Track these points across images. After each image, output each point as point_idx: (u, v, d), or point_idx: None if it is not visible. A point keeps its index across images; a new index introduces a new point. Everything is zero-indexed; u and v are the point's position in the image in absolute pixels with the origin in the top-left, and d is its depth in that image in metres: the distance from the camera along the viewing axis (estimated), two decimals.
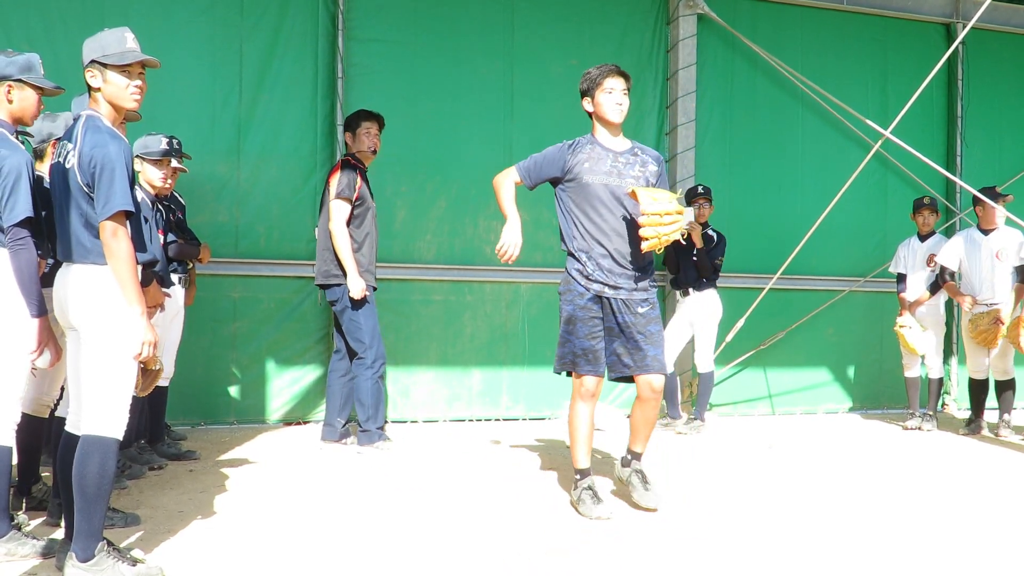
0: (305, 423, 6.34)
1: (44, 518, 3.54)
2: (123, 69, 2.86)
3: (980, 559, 3.24)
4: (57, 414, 3.65)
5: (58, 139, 3.75)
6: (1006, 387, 6.42)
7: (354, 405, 5.39)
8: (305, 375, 6.37)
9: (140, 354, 2.82)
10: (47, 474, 4.03)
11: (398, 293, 6.57)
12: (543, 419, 6.82)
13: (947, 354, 7.71)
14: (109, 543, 2.84)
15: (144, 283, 2.93)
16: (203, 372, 6.11)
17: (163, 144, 4.65)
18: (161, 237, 4.63)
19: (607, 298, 3.91)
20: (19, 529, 3.17)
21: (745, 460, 5.25)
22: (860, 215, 7.68)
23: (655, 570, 3.04)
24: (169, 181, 4.76)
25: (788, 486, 4.50)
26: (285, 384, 6.34)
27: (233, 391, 6.24)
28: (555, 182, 4.04)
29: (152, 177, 4.63)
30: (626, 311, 3.90)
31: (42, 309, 3.00)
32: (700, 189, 6.37)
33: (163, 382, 5.02)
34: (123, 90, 2.88)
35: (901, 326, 6.55)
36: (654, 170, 4.02)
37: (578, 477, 3.96)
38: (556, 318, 6.07)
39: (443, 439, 5.87)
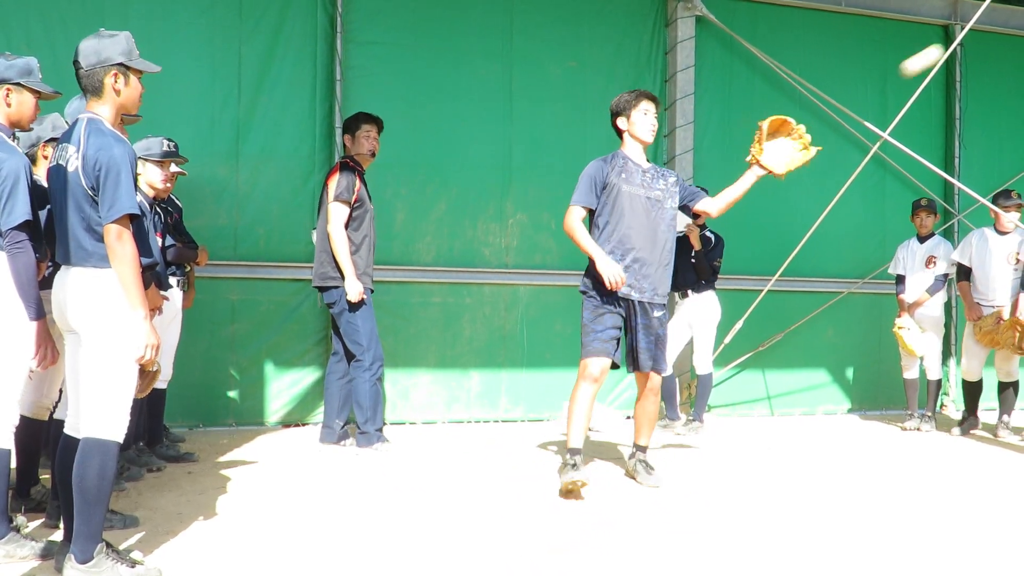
0: (304, 425, 6.34)
1: (43, 520, 3.54)
2: (139, 74, 2.91)
3: (980, 559, 3.24)
4: (56, 416, 3.65)
5: (47, 141, 3.75)
6: (1008, 388, 6.43)
7: (352, 407, 5.39)
8: (304, 377, 6.37)
9: (143, 356, 2.83)
10: (46, 476, 4.03)
11: (397, 295, 6.57)
12: (542, 421, 6.82)
13: (946, 355, 7.71)
14: (108, 545, 2.84)
15: (143, 286, 2.94)
16: (202, 374, 6.10)
17: (165, 146, 4.66)
18: (159, 240, 4.63)
19: (631, 300, 4.26)
20: (18, 531, 3.17)
21: (744, 461, 5.25)
22: (858, 217, 7.68)
23: (654, 567, 3.04)
24: (168, 183, 4.77)
25: (786, 486, 4.50)
26: (284, 386, 6.34)
27: (232, 393, 6.24)
28: None
29: (153, 179, 4.63)
30: (643, 313, 4.28)
31: (40, 312, 3.00)
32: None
33: (161, 384, 5.02)
34: (138, 95, 2.92)
35: (900, 327, 6.55)
36: (673, 180, 4.47)
37: (567, 455, 4.19)
38: (554, 320, 6.07)
39: (442, 441, 5.87)
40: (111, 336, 2.79)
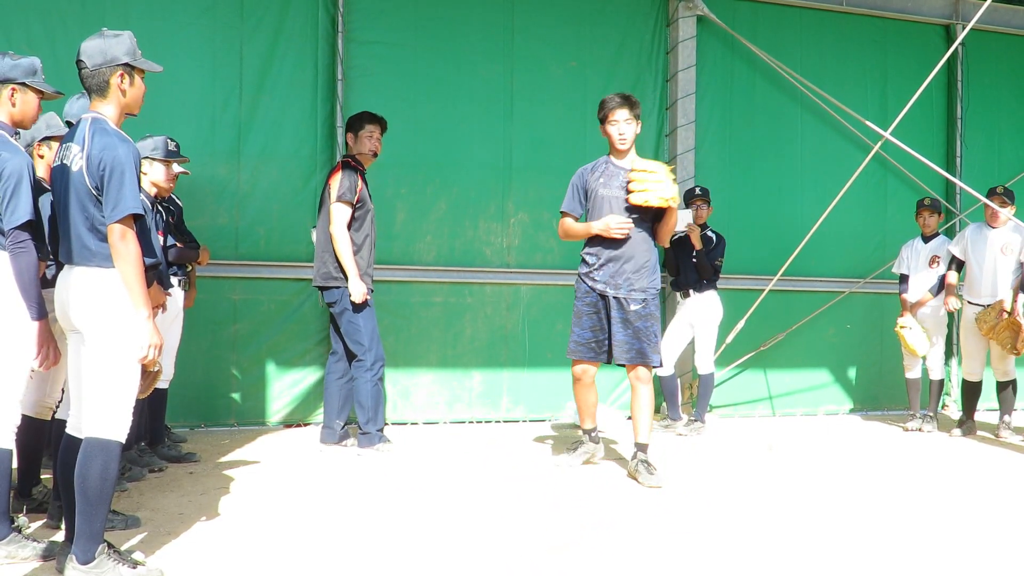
0: (305, 425, 6.34)
1: (45, 520, 3.54)
2: (143, 74, 2.91)
3: (980, 559, 3.24)
4: (57, 416, 3.65)
5: (41, 141, 3.75)
6: (1006, 388, 6.42)
7: (354, 407, 5.38)
8: (305, 377, 6.37)
9: (146, 356, 2.83)
10: (47, 476, 4.03)
11: (398, 295, 6.57)
12: (543, 420, 6.82)
13: (948, 355, 7.71)
14: (110, 545, 2.84)
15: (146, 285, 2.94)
16: (203, 374, 6.10)
17: (171, 145, 4.67)
18: (160, 239, 4.63)
19: (608, 296, 4.53)
20: (20, 531, 3.17)
21: (745, 461, 5.25)
22: (860, 216, 7.67)
23: (654, 567, 3.04)
24: (171, 183, 4.78)
25: (787, 486, 4.50)
26: (285, 386, 6.34)
27: (233, 393, 6.24)
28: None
29: (158, 178, 4.64)
30: (619, 308, 4.53)
31: (42, 312, 3.00)
32: (698, 190, 6.37)
33: (163, 384, 5.02)
34: (142, 95, 2.93)
35: (902, 327, 6.55)
36: None
37: (580, 432, 4.96)
38: (556, 319, 6.12)
39: (443, 441, 5.87)
40: (114, 336, 2.79)
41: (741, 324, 6.84)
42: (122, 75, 2.89)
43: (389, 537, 3.43)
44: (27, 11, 5.78)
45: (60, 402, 3.65)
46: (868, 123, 6.30)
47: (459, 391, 6.73)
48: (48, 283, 3.30)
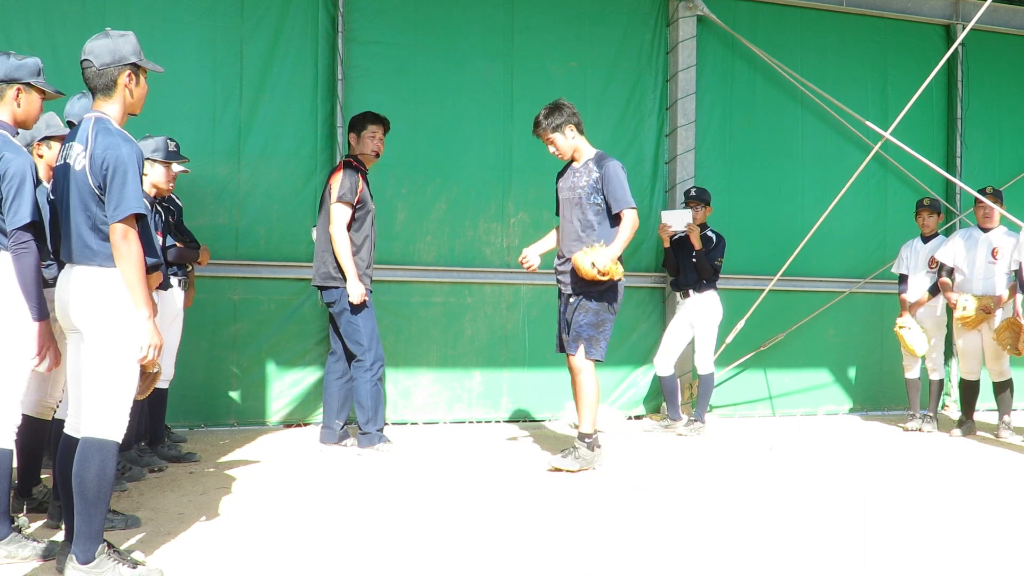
0: (305, 425, 6.34)
1: (45, 520, 3.54)
2: (146, 75, 2.93)
3: (981, 559, 3.24)
4: (57, 416, 3.65)
5: (41, 140, 3.75)
6: (1004, 388, 6.42)
7: (353, 407, 5.38)
8: (305, 377, 6.37)
9: (145, 357, 2.82)
10: (47, 476, 4.03)
11: (398, 295, 6.57)
12: (544, 420, 6.82)
13: (948, 355, 7.70)
14: (109, 545, 2.84)
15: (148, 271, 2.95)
16: (203, 374, 6.10)
17: (171, 146, 4.67)
18: (159, 239, 4.63)
19: (563, 292, 4.90)
20: (20, 531, 3.17)
21: (745, 461, 5.25)
22: (860, 216, 7.67)
23: (653, 566, 3.04)
24: (171, 183, 4.78)
25: (787, 486, 4.50)
26: (285, 386, 6.34)
27: (233, 393, 6.24)
28: None
29: (157, 179, 4.64)
30: (566, 302, 4.89)
31: (43, 313, 3.00)
32: (693, 192, 6.37)
33: (163, 384, 5.02)
34: (144, 95, 2.95)
35: (901, 327, 6.55)
36: (596, 176, 4.80)
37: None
38: (555, 319, 6.06)
39: (443, 441, 5.87)
40: (114, 335, 2.79)
41: (741, 324, 6.83)
42: (130, 75, 2.90)
43: (389, 538, 3.43)
44: (27, 11, 5.78)
45: (60, 402, 3.65)
46: (868, 123, 6.30)
47: (459, 391, 6.73)
48: (48, 283, 3.29)
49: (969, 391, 6.56)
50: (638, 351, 7.13)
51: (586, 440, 4.78)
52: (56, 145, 3.68)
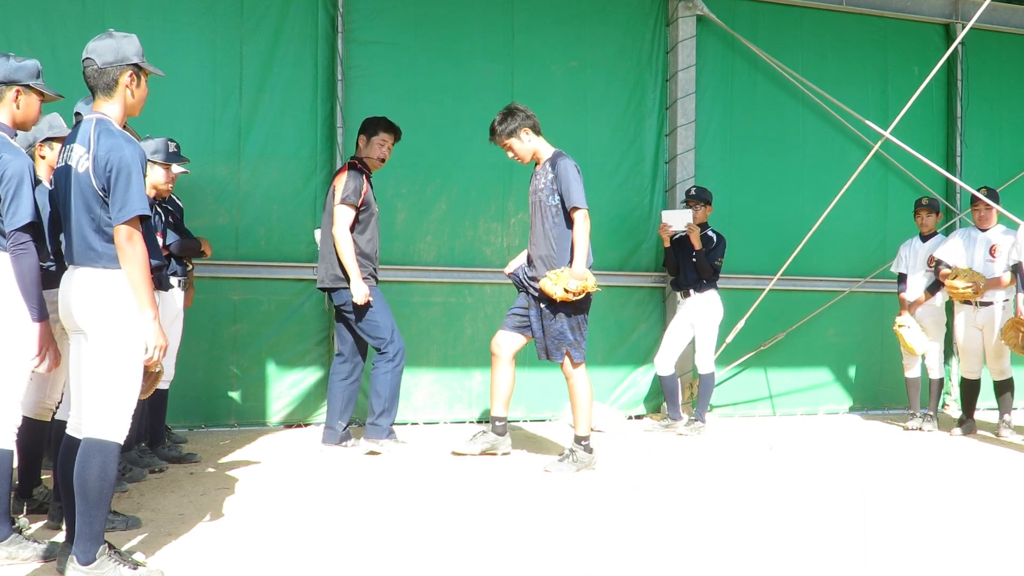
0: (306, 425, 6.34)
1: (45, 521, 3.54)
2: (147, 77, 2.93)
3: (982, 559, 3.24)
4: (57, 417, 3.65)
5: (43, 141, 3.75)
6: (1004, 387, 6.41)
7: (355, 407, 5.38)
8: (306, 377, 6.37)
9: (151, 357, 2.82)
10: (47, 476, 4.03)
11: (398, 295, 6.55)
12: (544, 420, 6.82)
13: (947, 354, 7.70)
14: (110, 546, 2.84)
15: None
16: (204, 374, 6.10)
17: (171, 147, 4.67)
18: (160, 240, 4.63)
19: (529, 294, 4.86)
20: (20, 532, 3.17)
21: (745, 461, 5.25)
22: (860, 216, 7.67)
23: (653, 567, 3.04)
24: (170, 184, 4.77)
25: (788, 486, 4.50)
26: (286, 386, 6.33)
27: (233, 393, 6.24)
28: None
29: (157, 181, 4.64)
30: (537, 306, 4.83)
31: (43, 314, 3.00)
32: (693, 191, 6.37)
33: (163, 385, 5.01)
34: (145, 97, 2.95)
35: (900, 326, 6.55)
36: (551, 176, 4.79)
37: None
38: None
39: (444, 441, 5.86)
40: (117, 337, 2.79)
41: (741, 324, 6.83)
42: (131, 75, 2.90)
43: (389, 538, 3.43)
44: (27, 11, 5.78)
45: (60, 403, 3.65)
46: (868, 122, 6.30)
47: (459, 391, 6.72)
48: (49, 284, 3.29)
49: (970, 390, 6.56)
50: (638, 351, 7.13)
51: (583, 443, 4.79)
52: (59, 146, 3.67)
